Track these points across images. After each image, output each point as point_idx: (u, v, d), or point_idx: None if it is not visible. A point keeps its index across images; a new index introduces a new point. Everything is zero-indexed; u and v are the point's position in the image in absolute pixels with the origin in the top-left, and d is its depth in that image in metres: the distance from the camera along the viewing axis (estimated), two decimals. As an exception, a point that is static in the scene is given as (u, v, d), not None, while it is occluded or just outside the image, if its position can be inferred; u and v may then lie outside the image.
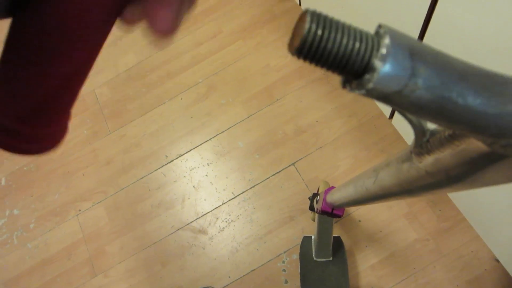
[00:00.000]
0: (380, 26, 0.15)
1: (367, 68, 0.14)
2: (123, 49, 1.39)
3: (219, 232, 1.12)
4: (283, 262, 1.06)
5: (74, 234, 1.20)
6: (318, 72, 1.22)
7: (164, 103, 1.29)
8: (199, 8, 1.38)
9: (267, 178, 1.15)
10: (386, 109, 1.07)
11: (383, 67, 0.14)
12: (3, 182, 1.30)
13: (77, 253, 1.17)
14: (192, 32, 1.36)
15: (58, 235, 1.21)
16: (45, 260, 1.18)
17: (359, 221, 1.05)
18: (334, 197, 0.63)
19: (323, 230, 0.87)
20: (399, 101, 0.15)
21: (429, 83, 0.14)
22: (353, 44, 0.14)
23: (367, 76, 0.14)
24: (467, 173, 0.22)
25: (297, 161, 1.15)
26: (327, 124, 1.17)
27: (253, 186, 1.15)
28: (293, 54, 0.15)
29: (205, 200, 1.17)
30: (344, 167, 1.11)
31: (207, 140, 1.22)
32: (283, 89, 1.23)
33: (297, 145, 1.16)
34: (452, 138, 0.21)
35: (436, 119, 0.16)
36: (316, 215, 0.85)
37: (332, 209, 0.70)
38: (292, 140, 1.17)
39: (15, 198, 1.27)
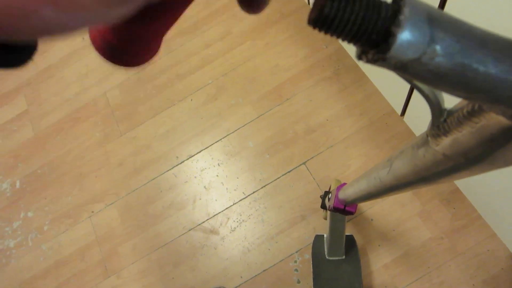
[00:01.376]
0: None
1: (385, 36, 0.14)
2: (133, 52, 1.40)
3: (230, 232, 1.12)
4: (295, 261, 1.05)
5: (87, 236, 1.21)
6: (327, 71, 1.21)
7: (174, 104, 1.30)
8: (208, 10, 1.39)
9: (277, 178, 1.15)
10: (397, 106, 1.05)
11: (401, 34, 0.14)
12: (17, 185, 1.32)
13: (90, 254, 1.18)
14: (201, 33, 1.36)
15: (71, 237, 1.22)
16: (59, 261, 1.20)
17: (372, 220, 1.04)
18: (347, 193, 0.62)
19: (336, 228, 0.86)
20: (417, 70, 0.15)
21: (448, 49, 0.14)
22: (371, 13, 0.14)
23: (384, 44, 0.14)
24: (487, 152, 0.22)
25: (307, 160, 1.14)
26: (337, 122, 1.16)
27: (264, 186, 1.15)
28: (312, 25, 0.15)
29: (216, 200, 1.17)
30: (356, 165, 1.10)
31: (218, 141, 1.23)
32: (292, 88, 1.22)
33: (307, 144, 1.16)
34: (470, 115, 0.21)
35: (455, 88, 0.15)
36: (328, 213, 0.85)
37: (345, 206, 0.70)
38: (302, 139, 1.17)
39: (30, 201, 1.29)
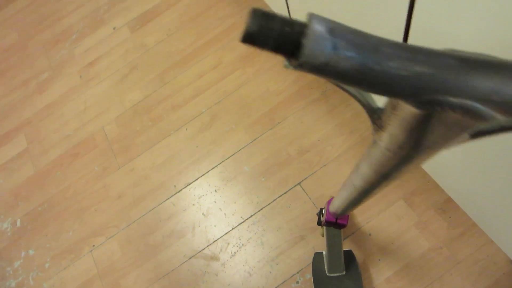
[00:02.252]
0: (308, 14, 0.19)
1: (299, 47, 0.18)
2: (128, 86, 1.45)
3: (231, 258, 1.12)
4: (297, 282, 1.05)
5: (89, 270, 1.21)
6: (316, 93, 1.25)
7: (170, 134, 1.33)
8: (199, 42, 1.45)
9: (274, 200, 1.16)
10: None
11: (310, 44, 0.18)
12: (18, 224, 1.33)
13: (92, 288, 1.18)
14: (194, 65, 1.42)
15: (73, 273, 1.22)
16: (60, 297, 1.19)
17: (370, 234, 1.05)
18: (335, 205, 0.64)
19: (333, 244, 0.87)
20: (329, 72, 0.19)
21: (348, 54, 0.18)
22: (286, 29, 0.18)
23: (299, 54, 0.18)
24: (414, 140, 0.25)
25: (302, 180, 1.16)
26: (329, 142, 1.19)
27: (261, 209, 1.16)
28: (242, 42, 0.19)
29: (215, 226, 1.17)
30: (350, 182, 1.12)
31: (214, 167, 1.25)
32: (283, 112, 1.26)
33: (301, 164, 1.18)
34: (393, 109, 0.24)
35: (361, 85, 0.19)
36: (325, 229, 0.86)
37: (336, 219, 0.71)
38: (296, 160, 1.19)
39: (31, 239, 1.30)
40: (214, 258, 1.14)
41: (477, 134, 0.28)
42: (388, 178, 0.35)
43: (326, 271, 0.96)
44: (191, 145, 1.30)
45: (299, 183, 1.16)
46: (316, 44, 0.18)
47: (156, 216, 1.23)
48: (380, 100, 0.87)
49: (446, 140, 0.24)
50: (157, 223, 1.22)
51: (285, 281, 1.06)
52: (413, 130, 0.24)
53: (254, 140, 1.25)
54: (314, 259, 0.99)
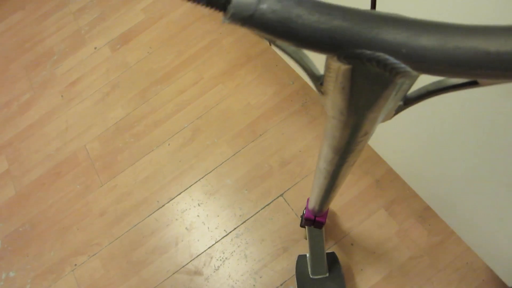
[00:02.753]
0: None
1: (229, 1, 0.20)
2: (111, 104, 1.45)
3: (214, 272, 1.12)
4: (281, 295, 1.04)
5: (71, 291, 1.19)
6: (296, 105, 1.27)
7: (152, 150, 1.33)
8: (179, 59, 1.47)
9: (257, 212, 1.16)
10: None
11: None
12: (-1, 245, 1.31)
13: (73, 309, 1.16)
14: (175, 81, 1.43)
15: (55, 294, 1.20)
16: (42, 320, 1.16)
17: (352, 244, 1.05)
18: (312, 199, 0.65)
19: (315, 244, 0.87)
20: (255, 25, 0.20)
21: (272, 7, 0.20)
22: None
23: (228, 7, 0.20)
24: (346, 100, 0.26)
25: (285, 191, 1.16)
26: (310, 152, 1.20)
27: (244, 222, 1.16)
28: None
29: (198, 240, 1.17)
30: (331, 192, 1.12)
31: (196, 181, 1.25)
32: (264, 124, 1.27)
33: (283, 176, 1.19)
34: (327, 71, 0.26)
35: (286, 38, 0.21)
36: (306, 231, 0.87)
37: (315, 216, 0.72)
38: (278, 172, 1.20)
39: (11, 260, 1.27)
40: (198, 272, 1.13)
41: (409, 100, 0.31)
42: (344, 154, 0.36)
43: (309, 273, 0.96)
44: (173, 160, 1.30)
45: (281, 195, 1.16)
46: None
47: (139, 232, 1.22)
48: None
49: (377, 99, 0.26)
50: (140, 239, 1.21)
51: (269, 294, 1.05)
52: (344, 87, 0.26)
53: (236, 153, 1.26)
54: (297, 261, 0.99)
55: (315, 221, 0.76)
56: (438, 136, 0.70)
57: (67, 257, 1.24)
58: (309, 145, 1.21)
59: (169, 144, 1.33)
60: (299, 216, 1.12)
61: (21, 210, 1.35)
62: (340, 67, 0.24)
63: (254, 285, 1.07)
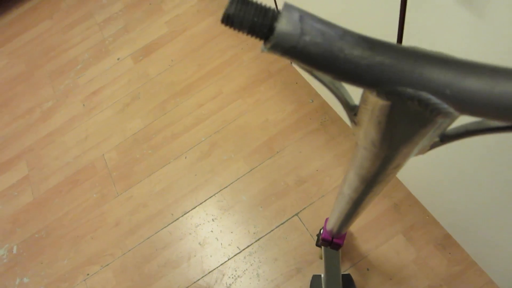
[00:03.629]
0: (284, 3, 0.21)
1: (271, 30, 0.20)
2: (130, 115, 1.47)
3: (226, 290, 1.10)
4: (293, 318, 1.02)
5: (82, 300, 1.19)
6: (315, 123, 1.26)
7: (169, 163, 1.34)
8: (200, 72, 1.48)
9: (271, 230, 1.14)
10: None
11: (280, 28, 0.20)
12: (14, 251, 1.32)
13: (84, 319, 1.16)
14: (194, 95, 1.44)
15: (66, 302, 1.20)
16: (52, 328, 1.16)
17: (368, 269, 1.02)
18: (330, 221, 0.64)
19: (331, 266, 0.85)
20: (297, 55, 0.20)
21: (315, 40, 0.20)
22: (260, 14, 0.20)
23: (271, 36, 0.20)
24: (382, 134, 0.26)
25: (300, 211, 1.15)
26: (327, 172, 1.18)
27: (258, 239, 1.14)
28: (222, 23, 0.21)
29: (211, 256, 1.16)
30: (348, 214, 1.10)
31: (211, 196, 1.24)
32: (282, 141, 1.26)
33: (299, 195, 1.17)
34: (364, 103, 0.25)
35: (327, 70, 0.21)
36: (322, 251, 0.85)
37: (332, 238, 0.71)
38: (294, 190, 1.18)
39: (26, 266, 1.29)
40: (209, 290, 1.12)
41: (447, 137, 0.30)
42: (371, 183, 0.35)
43: None
44: (189, 173, 1.30)
45: (296, 214, 1.15)
46: (286, 28, 0.20)
47: (152, 244, 1.22)
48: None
49: (414, 135, 0.25)
50: (153, 252, 1.21)
51: (280, 316, 1.03)
52: (380, 122, 0.25)
53: (253, 169, 1.25)
54: (312, 281, 0.97)
55: (332, 242, 0.74)
56: (463, 164, 0.68)
57: (80, 266, 1.24)
58: (326, 165, 1.19)
59: (186, 157, 1.33)
60: (315, 236, 1.10)
61: (38, 216, 1.36)
62: (378, 102, 0.23)
63: (265, 306, 1.05)
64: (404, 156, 0.30)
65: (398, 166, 0.32)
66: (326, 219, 0.74)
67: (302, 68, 0.22)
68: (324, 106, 1.27)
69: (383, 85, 0.20)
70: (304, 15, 0.20)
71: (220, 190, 1.24)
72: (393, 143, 0.27)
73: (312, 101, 1.30)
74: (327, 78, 0.28)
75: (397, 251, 1.02)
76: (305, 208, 1.15)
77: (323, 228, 0.79)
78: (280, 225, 1.15)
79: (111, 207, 1.32)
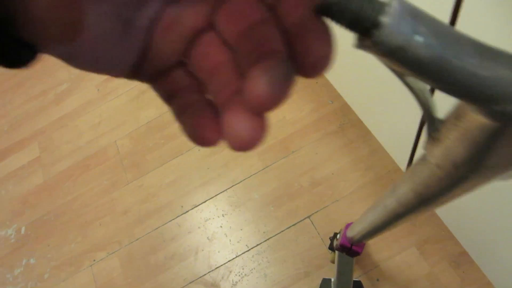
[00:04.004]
0: None
1: (376, 25, 0.16)
2: (145, 103, 1.45)
3: (232, 287, 1.09)
4: (298, 322, 1.01)
5: (87, 285, 1.19)
6: (333, 125, 1.23)
7: (182, 154, 1.32)
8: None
9: (282, 231, 1.13)
10: (402, 163, 1.05)
11: (389, 24, 0.16)
12: (22, 231, 1.32)
13: (88, 305, 1.16)
14: (211, 86, 1.41)
15: (71, 286, 1.20)
16: (56, 312, 1.17)
17: (377, 280, 1.00)
18: (355, 229, 0.62)
19: (343, 271, 0.84)
20: (402, 57, 0.17)
21: (428, 42, 0.16)
22: (365, 4, 0.16)
23: (376, 32, 0.16)
24: (473, 158, 0.22)
25: (312, 214, 1.13)
26: (343, 177, 1.16)
27: (268, 239, 1.13)
28: (317, 12, 0.17)
29: (218, 252, 1.15)
30: (361, 221, 1.08)
31: (223, 191, 1.23)
32: (298, 141, 1.24)
33: (312, 197, 1.15)
34: (456, 119, 0.22)
35: (434, 78, 0.17)
36: (336, 255, 0.83)
37: (352, 244, 0.69)
38: (307, 192, 1.16)
39: (33, 247, 1.29)
40: (215, 285, 1.11)
41: None
42: (428, 203, 0.32)
43: None
44: (202, 166, 1.29)
45: (308, 216, 1.13)
46: (395, 24, 0.16)
47: (160, 235, 1.21)
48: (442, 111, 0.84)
49: None
50: (160, 243, 1.20)
51: (286, 318, 1.02)
52: (476, 145, 0.22)
53: (266, 167, 1.23)
54: (321, 284, 0.96)
55: (351, 249, 0.73)
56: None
57: (86, 252, 1.24)
58: (342, 169, 1.17)
59: (199, 150, 1.31)
60: (326, 240, 1.08)
61: (48, 198, 1.36)
62: (481, 121, 0.20)
63: (271, 307, 1.04)
64: (486, 181, 0.26)
65: (470, 190, 0.29)
66: (347, 225, 0.72)
67: (394, 70, 0.19)
68: (344, 109, 1.24)
69: (502, 102, 0.17)
70: (416, 11, 0.17)
71: (232, 186, 1.23)
72: (482, 168, 0.24)
73: (332, 102, 1.27)
74: (420, 84, 0.25)
75: (410, 264, 1.00)
76: (317, 211, 1.13)
77: (341, 233, 0.77)
78: (291, 226, 1.13)
79: (120, 195, 1.31)
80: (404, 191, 0.35)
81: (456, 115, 0.23)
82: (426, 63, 0.17)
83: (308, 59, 0.15)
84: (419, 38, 0.16)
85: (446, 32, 0.17)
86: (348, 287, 0.89)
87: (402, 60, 0.17)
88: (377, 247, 1.04)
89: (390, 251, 1.02)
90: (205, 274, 1.13)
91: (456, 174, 0.26)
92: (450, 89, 0.18)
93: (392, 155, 1.10)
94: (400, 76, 0.22)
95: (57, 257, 1.25)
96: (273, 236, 1.13)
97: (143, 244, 1.21)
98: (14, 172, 1.44)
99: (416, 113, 0.77)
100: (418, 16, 0.16)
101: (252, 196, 1.20)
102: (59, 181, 1.38)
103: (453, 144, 0.24)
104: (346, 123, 1.22)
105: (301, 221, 1.13)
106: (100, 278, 1.19)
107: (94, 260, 1.22)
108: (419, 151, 0.86)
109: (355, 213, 1.10)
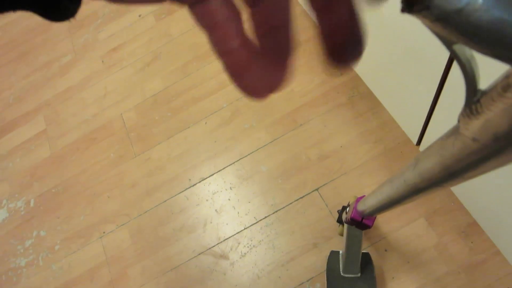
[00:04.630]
0: None
1: None
2: (150, 75, 1.43)
3: (240, 258, 1.11)
4: (306, 291, 1.03)
5: (97, 257, 1.21)
6: (342, 97, 1.21)
7: (188, 127, 1.31)
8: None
9: (290, 204, 1.13)
10: (413, 135, 1.04)
11: None
12: (32, 204, 1.33)
13: (99, 275, 1.18)
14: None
15: (81, 257, 1.22)
16: (68, 282, 1.19)
17: (386, 250, 1.01)
18: (367, 203, 0.61)
19: (352, 244, 0.84)
20: (458, 22, 0.15)
21: (489, 3, 0.15)
22: None
23: None
24: None
25: (320, 186, 1.13)
26: (352, 149, 1.15)
27: (276, 211, 1.13)
28: None
29: (227, 224, 1.16)
30: (370, 193, 1.08)
31: (230, 164, 1.23)
32: (307, 114, 1.23)
33: (321, 170, 1.15)
34: (504, 91, 0.21)
35: (493, 44, 0.16)
36: (345, 228, 0.83)
37: (362, 218, 0.69)
38: (316, 165, 1.16)
39: (43, 220, 1.30)
40: (224, 256, 1.12)
41: None
42: (456, 177, 0.31)
43: (341, 271, 0.94)
44: (209, 139, 1.28)
45: (317, 189, 1.13)
46: None
47: (168, 208, 1.22)
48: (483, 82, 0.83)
49: None
50: (169, 216, 1.21)
51: (294, 288, 1.04)
52: None
53: (274, 140, 1.22)
54: (329, 257, 0.97)
55: (362, 223, 0.72)
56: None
57: (96, 224, 1.25)
58: (351, 142, 1.16)
59: (206, 123, 1.30)
60: (334, 212, 1.09)
61: (55, 171, 1.36)
62: None
63: (280, 277, 1.06)
64: None
65: (504, 165, 0.28)
66: (358, 199, 0.72)
67: (442, 37, 0.17)
68: (354, 80, 1.22)
69: None
70: None
71: (240, 159, 1.22)
72: None
73: (341, 74, 1.24)
74: (467, 53, 0.23)
75: (418, 235, 1.00)
76: (325, 184, 1.13)
77: (350, 207, 0.77)
78: (299, 198, 1.13)
79: (128, 168, 1.31)
80: (429, 165, 0.34)
81: (505, 86, 0.21)
82: (486, 27, 0.15)
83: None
84: (479, 0, 0.15)
85: None
86: (356, 259, 0.90)
87: (457, 26, 0.15)
88: (385, 218, 1.04)
89: (399, 222, 1.03)
90: (214, 246, 1.14)
91: (494, 148, 0.24)
92: (507, 56, 0.16)
93: (403, 128, 1.09)
94: (448, 44, 0.21)
95: (67, 229, 1.27)
96: (281, 208, 1.14)
97: (152, 217, 1.22)
98: (21, 145, 1.43)
99: (430, 84, 0.76)
100: None
101: (259, 169, 1.20)
102: (66, 154, 1.38)
103: (496, 116, 0.22)
104: (356, 96, 1.20)
105: (309, 193, 1.13)
106: (110, 249, 1.21)
107: (104, 232, 1.24)
108: (433, 123, 0.85)
109: (363, 185, 1.10)
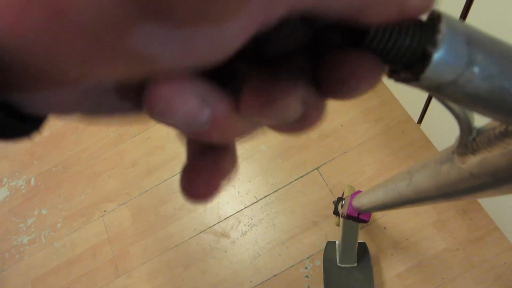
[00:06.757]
0: (433, 12, 0.13)
1: (420, 56, 0.13)
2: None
3: (241, 236, 1.12)
4: (306, 268, 1.04)
5: (99, 235, 1.22)
6: (343, 75, 1.20)
7: (188, 106, 1.30)
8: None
9: (290, 183, 1.14)
10: (414, 114, 1.04)
11: (437, 54, 0.12)
12: (32, 182, 1.33)
13: (101, 253, 1.19)
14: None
15: (83, 235, 1.23)
16: (70, 259, 1.21)
17: (385, 228, 1.02)
18: (362, 201, 0.61)
19: (348, 235, 0.85)
20: (452, 92, 0.14)
21: (487, 72, 0.13)
22: (407, 35, 0.13)
23: (419, 65, 0.13)
24: None
25: (321, 165, 1.13)
26: (352, 128, 1.15)
27: (276, 190, 1.14)
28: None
29: (227, 203, 1.16)
30: (370, 172, 1.09)
31: (230, 144, 1.22)
32: (307, 92, 1.21)
33: (321, 149, 1.15)
34: (503, 136, 0.20)
35: (492, 112, 0.15)
36: (341, 220, 0.84)
37: (358, 214, 0.69)
38: (316, 144, 1.16)
39: (44, 198, 1.31)
40: (224, 235, 1.13)
41: None
42: (451, 198, 0.31)
43: (337, 261, 0.95)
44: (208, 119, 1.27)
45: (317, 168, 1.13)
46: (448, 55, 0.13)
47: (168, 187, 1.23)
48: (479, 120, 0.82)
49: None
50: (170, 195, 1.22)
51: (293, 265, 1.05)
52: None
53: (274, 119, 1.21)
54: (326, 248, 0.98)
55: (358, 218, 0.72)
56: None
57: (97, 203, 1.26)
58: (351, 120, 1.15)
59: (205, 102, 1.29)
60: (334, 192, 1.09)
61: (55, 150, 1.36)
62: None
63: (280, 255, 1.07)
64: None
65: (500, 195, 0.28)
66: (352, 195, 0.71)
67: (443, 101, 0.17)
68: (355, 58, 1.20)
69: None
70: (471, 33, 0.13)
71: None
72: None
73: (342, 52, 1.23)
74: (457, 107, 0.22)
75: (417, 213, 1.01)
76: (325, 163, 1.13)
77: (346, 201, 0.75)
78: (299, 178, 1.14)
79: (127, 147, 1.31)
80: (423, 184, 0.33)
81: (503, 131, 0.20)
82: (484, 97, 0.14)
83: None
84: (476, 69, 0.13)
85: (506, 55, 0.13)
86: (353, 250, 0.91)
87: (452, 95, 0.14)
88: (385, 197, 1.05)
89: (398, 201, 1.03)
90: (214, 224, 1.15)
91: (492, 183, 0.24)
92: (509, 121, 0.15)
93: (404, 106, 1.08)
94: (442, 101, 0.20)
95: (68, 208, 1.28)
96: (282, 187, 1.14)
97: (152, 196, 1.23)
98: (19, 124, 1.43)
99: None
100: (474, 40, 0.13)
101: (259, 148, 1.20)
102: (65, 133, 1.37)
103: (495, 158, 0.21)
104: (357, 74, 1.19)
105: (309, 172, 1.13)
106: (111, 228, 1.22)
107: (105, 211, 1.24)
108: (434, 101, 0.84)
109: (364, 164, 1.10)
